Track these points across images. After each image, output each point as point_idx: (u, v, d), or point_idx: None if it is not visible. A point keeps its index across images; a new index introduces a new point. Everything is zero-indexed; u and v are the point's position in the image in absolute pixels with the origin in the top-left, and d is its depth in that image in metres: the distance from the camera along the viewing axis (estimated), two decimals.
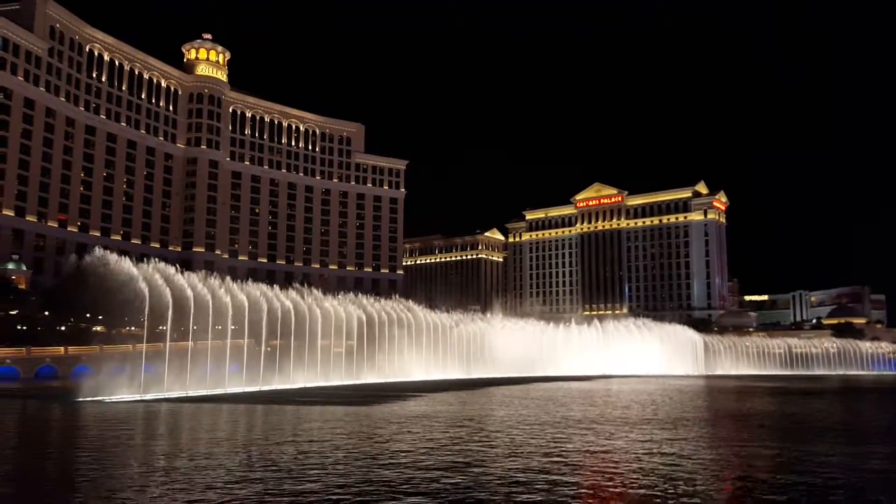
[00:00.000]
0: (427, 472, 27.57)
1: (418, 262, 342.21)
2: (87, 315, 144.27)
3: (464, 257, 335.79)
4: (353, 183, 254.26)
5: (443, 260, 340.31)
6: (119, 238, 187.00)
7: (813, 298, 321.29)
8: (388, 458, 31.10)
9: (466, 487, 24.89)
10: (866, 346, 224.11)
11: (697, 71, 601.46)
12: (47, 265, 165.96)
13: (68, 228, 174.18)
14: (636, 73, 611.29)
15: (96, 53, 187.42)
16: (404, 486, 24.83)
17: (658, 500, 22.95)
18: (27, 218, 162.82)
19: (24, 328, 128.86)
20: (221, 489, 24.32)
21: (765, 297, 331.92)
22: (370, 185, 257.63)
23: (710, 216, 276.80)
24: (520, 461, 30.64)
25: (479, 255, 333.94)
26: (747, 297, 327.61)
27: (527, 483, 25.72)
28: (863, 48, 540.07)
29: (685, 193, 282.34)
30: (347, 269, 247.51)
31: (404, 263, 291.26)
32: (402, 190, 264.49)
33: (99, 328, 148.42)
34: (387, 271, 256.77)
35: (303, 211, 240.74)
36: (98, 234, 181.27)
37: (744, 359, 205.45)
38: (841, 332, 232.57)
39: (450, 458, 31.09)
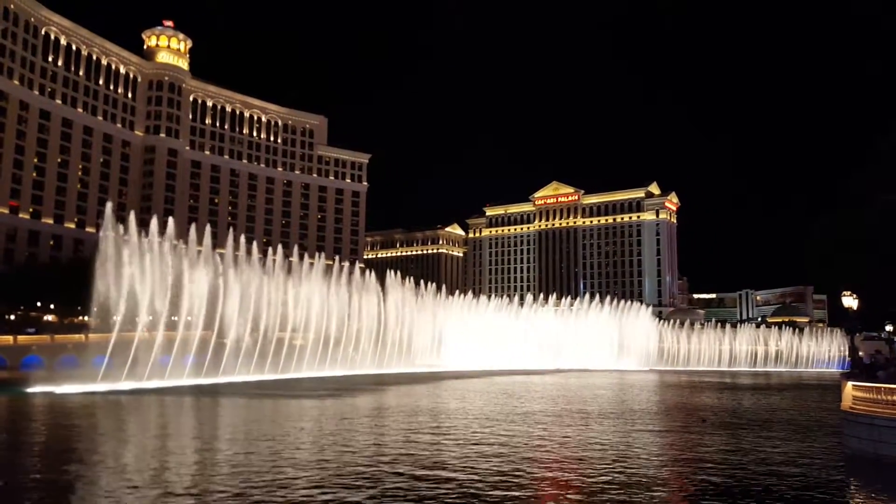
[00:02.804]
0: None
1: (379, 255, 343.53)
2: (38, 304, 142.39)
3: (424, 251, 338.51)
4: (315, 175, 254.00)
5: (403, 254, 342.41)
6: (73, 226, 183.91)
7: (758, 297, 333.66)
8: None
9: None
10: (808, 344, 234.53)
11: (654, 73, 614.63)
12: None
13: (20, 215, 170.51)
14: (596, 74, 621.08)
15: (52, 37, 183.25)
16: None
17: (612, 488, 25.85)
18: None
19: None
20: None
21: (713, 296, 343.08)
22: (332, 178, 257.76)
23: (661, 216, 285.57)
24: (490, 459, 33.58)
25: (440, 250, 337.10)
26: (696, 295, 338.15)
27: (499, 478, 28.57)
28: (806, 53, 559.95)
29: (639, 193, 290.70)
30: (308, 261, 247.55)
31: (365, 257, 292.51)
32: (365, 183, 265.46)
33: (50, 317, 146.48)
34: (347, 264, 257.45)
35: (263, 202, 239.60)
36: (51, 221, 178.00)
37: (694, 355, 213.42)
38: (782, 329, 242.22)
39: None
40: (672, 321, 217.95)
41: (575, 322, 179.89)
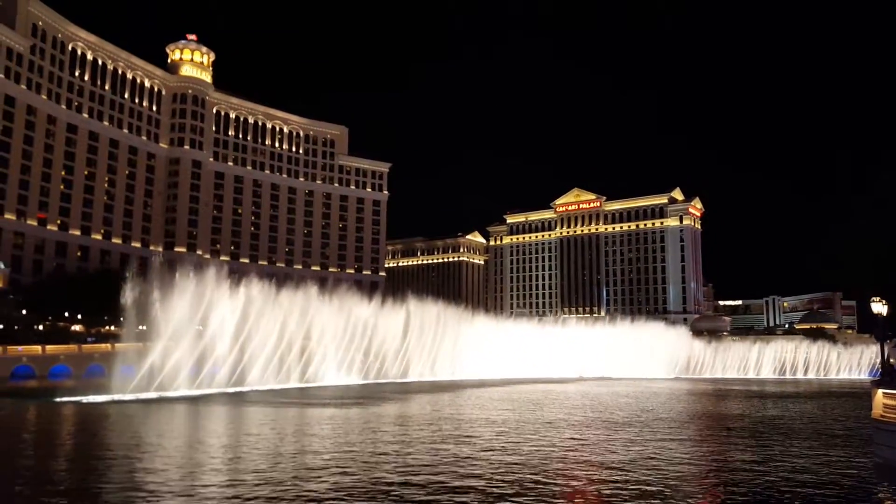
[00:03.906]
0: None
1: (400, 263, 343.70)
2: (66, 314, 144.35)
3: (445, 259, 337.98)
4: (336, 185, 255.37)
5: (425, 262, 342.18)
6: (100, 237, 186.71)
7: (785, 304, 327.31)
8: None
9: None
10: (838, 351, 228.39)
11: (676, 78, 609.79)
12: (26, 263, 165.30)
13: (48, 227, 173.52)
14: (616, 79, 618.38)
15: (79, 52, 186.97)
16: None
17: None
18: (6, 216, 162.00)
19: (1, 327, 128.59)
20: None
21: (738, 302, 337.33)
22: (353, 187, 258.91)
23: (685, 222, 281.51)
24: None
25: (461, 258, 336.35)
26: (721, 302, 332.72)
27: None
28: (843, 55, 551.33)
29: (661, 199, 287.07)
30: (330, 270, 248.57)
31: (386, 265, 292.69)
32: (385, 192, 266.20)
33: (78, 327, 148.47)
34: (369, 273, 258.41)
35: (286, 212, 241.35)
36: (78, 232, 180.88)
37: (720, 363, 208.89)
38: (813, 337, 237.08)
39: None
40: (699, 331, 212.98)
41: (599, 335, 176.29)
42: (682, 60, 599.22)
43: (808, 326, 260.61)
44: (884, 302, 44.24)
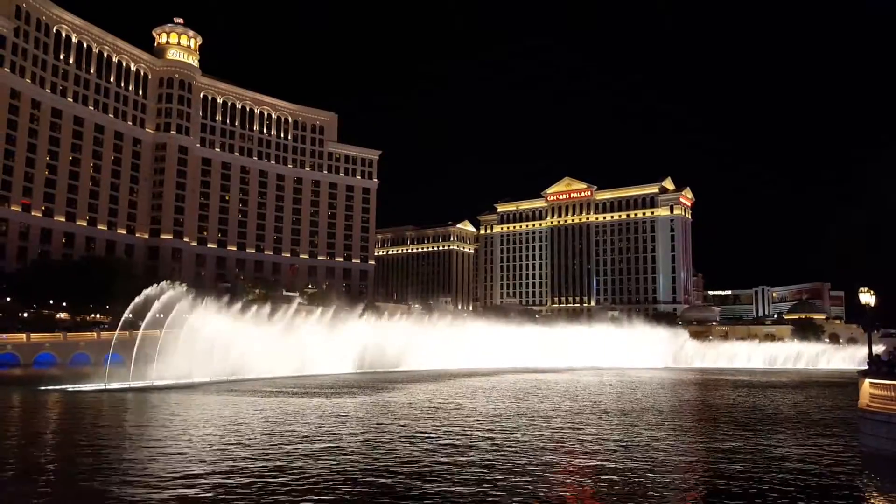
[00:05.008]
0: None
1: (390, 252, 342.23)
2: (51, 302, 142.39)
3: (435, 248, 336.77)
4: (325, 172, 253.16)
5: (415, 251, 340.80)
6: (84, 224, 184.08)
7: (774, 294, 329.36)
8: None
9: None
10: (826, 342, 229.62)
11: (666, 69, 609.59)
12: (10, 250, 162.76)
13: (32, 213, 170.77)
14: (610, 69, 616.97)
15: (64, 35, 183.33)
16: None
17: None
18: None
19: None
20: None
21: (728, 292, 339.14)
22: (343, 175, 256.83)
23: (676, 212, 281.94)
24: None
25: (451, 247, 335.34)
26: (711, 292, 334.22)
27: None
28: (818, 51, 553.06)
29: (652, 189, 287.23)
30: (318, 258, 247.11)
31: (376, 254, 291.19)
32: (375, 180, 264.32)
33: (63, 315, 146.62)
34: (358, 261, 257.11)
35: (274, 199, 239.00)
36: (63, 219, 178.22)
37: (710, 353, 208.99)
38: (801, 327, 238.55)
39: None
40: (688, 321, 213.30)
41: (589, 330, 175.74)
42: (675, 52, 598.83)
43: (796, 316, 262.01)
44: (871, 292, 44.70)
